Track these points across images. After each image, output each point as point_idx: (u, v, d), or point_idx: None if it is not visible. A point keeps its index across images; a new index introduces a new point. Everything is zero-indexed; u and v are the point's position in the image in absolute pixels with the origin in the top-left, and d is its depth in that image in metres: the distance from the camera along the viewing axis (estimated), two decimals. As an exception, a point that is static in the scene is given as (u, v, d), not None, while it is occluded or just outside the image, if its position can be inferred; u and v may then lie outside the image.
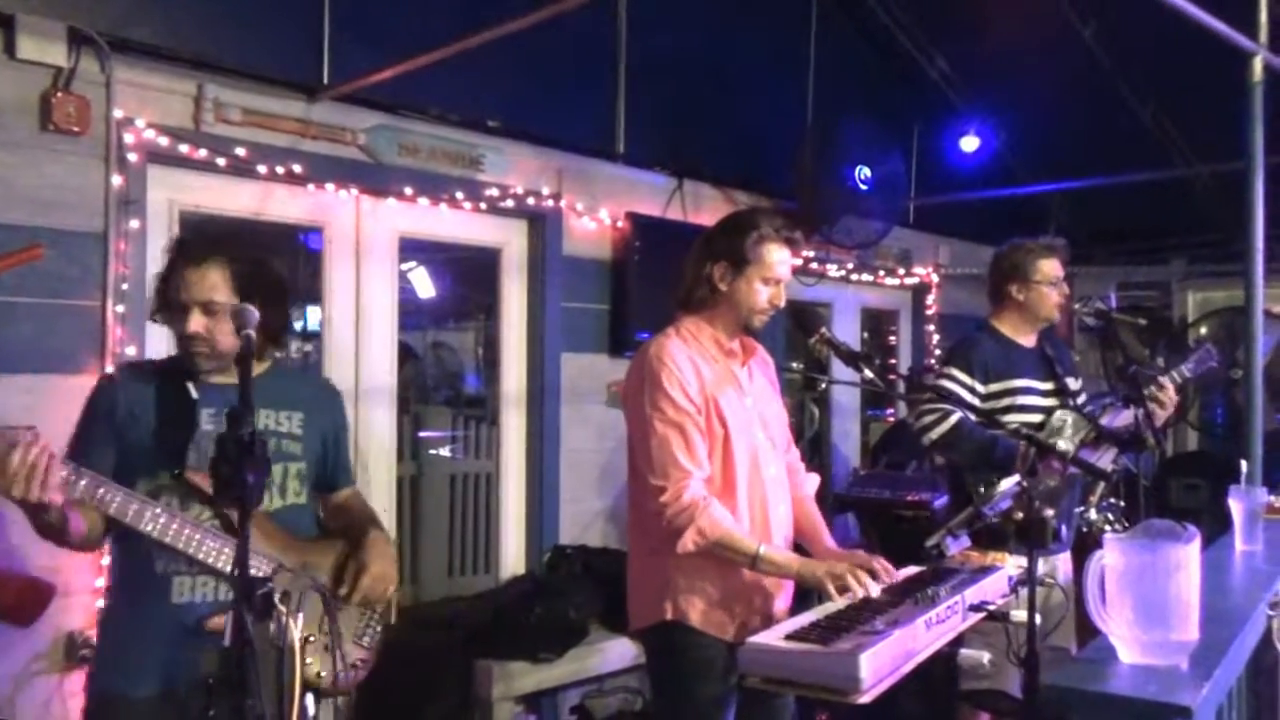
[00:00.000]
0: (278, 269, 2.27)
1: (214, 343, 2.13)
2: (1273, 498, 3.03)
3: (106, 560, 3.03)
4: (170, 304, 2.15)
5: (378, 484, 3.85)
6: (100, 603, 2.92)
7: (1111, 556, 1.69)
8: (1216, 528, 2.86)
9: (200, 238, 2.24)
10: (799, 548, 2.64)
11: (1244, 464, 2.98)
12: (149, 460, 2.12)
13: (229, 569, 2.06)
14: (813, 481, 2.79)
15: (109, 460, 2.12)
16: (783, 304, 2.51)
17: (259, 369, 2.28)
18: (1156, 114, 5.82)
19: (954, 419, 3.10)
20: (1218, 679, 1.66)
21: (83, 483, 1.97)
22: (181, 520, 2.06)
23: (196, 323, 2.10)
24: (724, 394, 2.45)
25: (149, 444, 2.13)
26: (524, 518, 4.34)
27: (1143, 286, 7.06)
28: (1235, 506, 2.74)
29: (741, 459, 2.45)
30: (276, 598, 1.84)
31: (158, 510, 2.03)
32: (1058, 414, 3.24)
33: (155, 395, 2.17)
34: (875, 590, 2.26)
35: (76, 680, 3.02)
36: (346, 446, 2.50)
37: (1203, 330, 6.67)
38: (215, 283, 2.11)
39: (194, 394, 2.16)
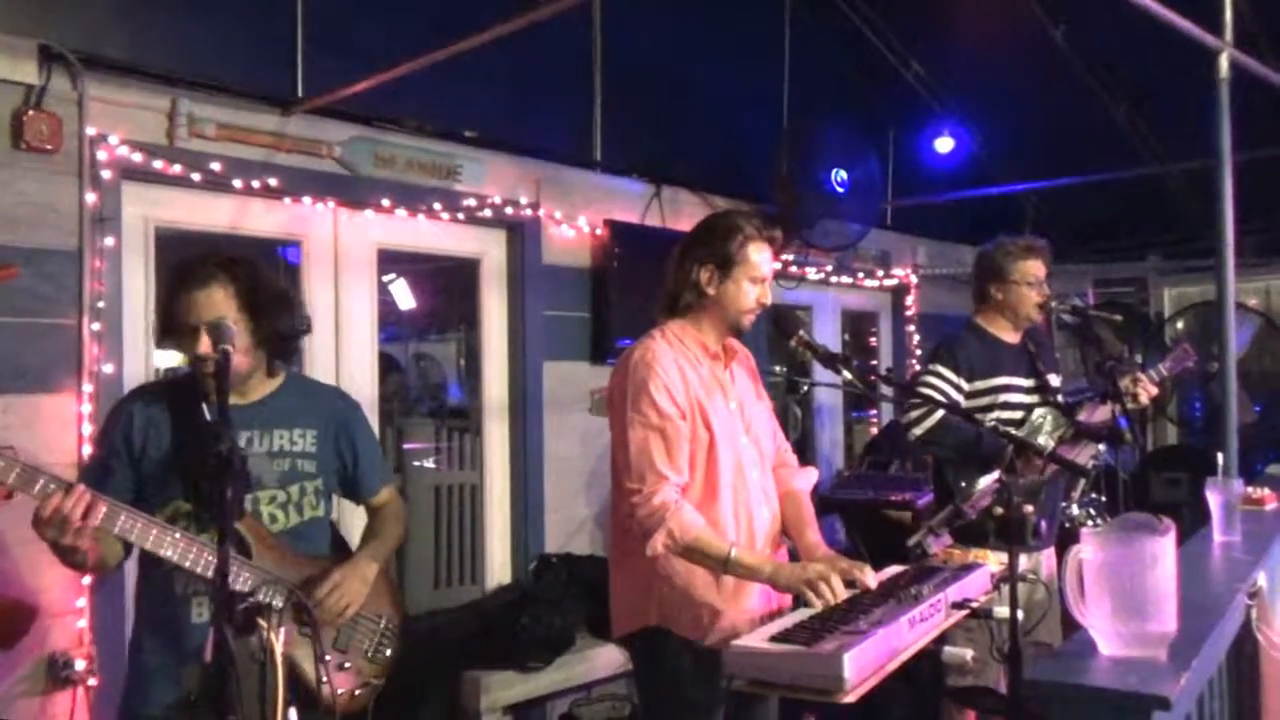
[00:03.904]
0: (277, 278, 2.28)
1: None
2: (1249, 489, 3.06)
3: (87, 580, 3.03)
4: (178, 328, 2.15)
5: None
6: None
7: (1088, 550, 1.70)
8: (1198, 521, 2.87)
9: (198, 258, 2.22)
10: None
11: (1220, 456, 3.01)
12: (166, 485, 2.15)
13: (245, 589, 2.08)
14: (808, 475, 2.71)
15: (129, 485, 2.15)
16: (769, 302, 2.51)
17: (271, 386, 2.29)
18: (1128, 113, 5.89)
19: (940, 414, 3.12)
20: (1196, 669, 1.68)
21: (103, 510, 1.97)
22: (200, 545, 2.07)
23: (206, 344, 2.09)
24: (710, 398, 2.44)
25: (165, 469, 2.16)
26: (509, 527, 4.33)
27: (1119, 283, 7.14)
28: (1212, 498, 2.75)
29: (725, 464, 2.44)
30: (262, 605, 1.84)
31: (176, 535, 2.06)
32: (1037, 412, 3.27)
33: (169, 419, 2.19)
34: (842, 596, 2.20)
35: (60, 701, 3.00)
36: (370, 452, 2.48)
37: (1179, 325, 6.74)
38: (219, 301, 2.12)
39: (208, 416, 2.14)
